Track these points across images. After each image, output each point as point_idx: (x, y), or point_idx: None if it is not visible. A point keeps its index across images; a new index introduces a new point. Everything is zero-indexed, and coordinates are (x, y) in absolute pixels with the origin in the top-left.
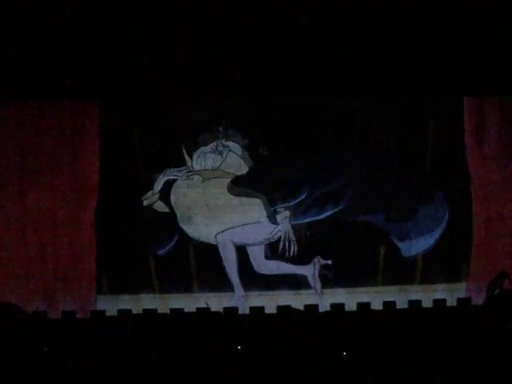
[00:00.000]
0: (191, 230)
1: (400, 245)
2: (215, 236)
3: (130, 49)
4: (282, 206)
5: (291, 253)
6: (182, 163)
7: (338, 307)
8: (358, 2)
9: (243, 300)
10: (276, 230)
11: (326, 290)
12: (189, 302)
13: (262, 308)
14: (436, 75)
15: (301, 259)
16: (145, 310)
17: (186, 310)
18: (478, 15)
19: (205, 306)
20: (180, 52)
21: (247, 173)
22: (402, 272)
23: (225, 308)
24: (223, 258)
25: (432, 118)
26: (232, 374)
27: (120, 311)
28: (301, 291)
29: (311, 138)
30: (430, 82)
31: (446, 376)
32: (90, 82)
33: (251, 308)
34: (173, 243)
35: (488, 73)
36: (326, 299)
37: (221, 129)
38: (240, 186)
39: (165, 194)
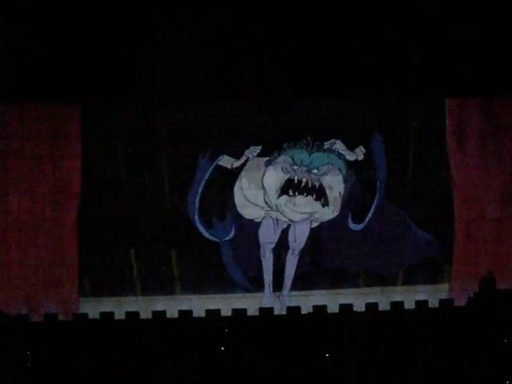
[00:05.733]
0: None
1: None
2: None
3: (113, 51)
4: None
5: None
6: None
7: (320, 309)
8: (343, 5)
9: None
10: None
11: (308, 292)
12: (171, 305)
13: (245, 310)
14: (418, 77)
15: None
16: (127, 312)
17: (168, 312)
18: (459, 19)
19: (188, 308)
20: (162, 54)
21: None
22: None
23: (207, 310)
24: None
25: (414, 119)
26: (215, 376)
27: (102, 314)
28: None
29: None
30: (412, 84)
31: (428, 376)
32: (72, 84)
33: (233, 310)
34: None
35: (469, 74)
36: (309, 301)
37: None
38: None
39: None
